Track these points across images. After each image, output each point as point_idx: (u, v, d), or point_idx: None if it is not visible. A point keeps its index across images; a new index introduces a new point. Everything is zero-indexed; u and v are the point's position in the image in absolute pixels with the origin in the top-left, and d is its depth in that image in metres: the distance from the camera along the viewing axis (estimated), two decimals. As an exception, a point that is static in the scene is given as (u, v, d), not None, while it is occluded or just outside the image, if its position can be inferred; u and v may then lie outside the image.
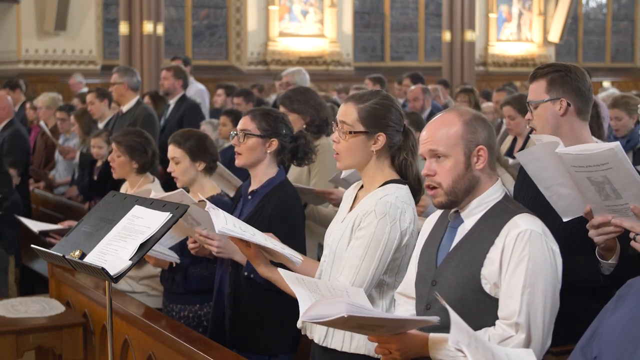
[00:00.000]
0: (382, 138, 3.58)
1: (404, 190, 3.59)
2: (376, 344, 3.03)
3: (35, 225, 6.25)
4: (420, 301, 3.15)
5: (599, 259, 3.31)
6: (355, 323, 2.85)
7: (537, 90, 3.73)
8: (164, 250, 4.72)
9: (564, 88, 3.70)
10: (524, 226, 2.94)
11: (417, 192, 3.68)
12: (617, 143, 3.13)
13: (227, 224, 3.48)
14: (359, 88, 9.00)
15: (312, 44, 17.83)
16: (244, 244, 3.56)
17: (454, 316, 2.49)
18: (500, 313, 2.92)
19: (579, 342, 2.66)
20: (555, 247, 2.99)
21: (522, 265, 2.90)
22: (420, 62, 19.07)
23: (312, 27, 17.88)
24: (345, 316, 2.71)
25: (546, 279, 2.91)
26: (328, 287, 3.24)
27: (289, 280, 3.17)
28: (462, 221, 3.09)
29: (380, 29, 19.06)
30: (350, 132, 3.58)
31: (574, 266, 3.31)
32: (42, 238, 6.20)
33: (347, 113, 3.60)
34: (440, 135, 3.05)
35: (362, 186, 3.73)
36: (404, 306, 3.30)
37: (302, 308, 2.96)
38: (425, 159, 3.12)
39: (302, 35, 17.80)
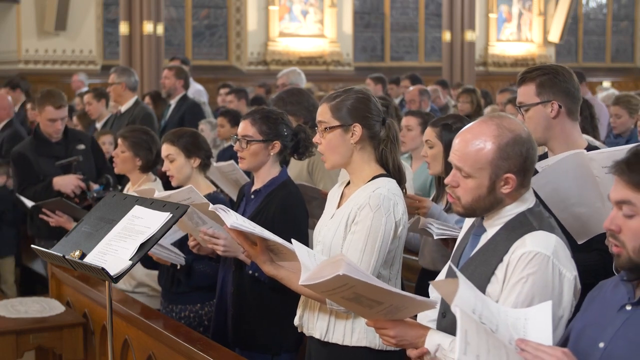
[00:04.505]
0: (357, 129, 3.61)
1: (393, 183, 3.63)
2: (377, 336, 3.03)
3: (30, 202, 6.28)
4: (439, 306, 3.09)
5: (615, 272, 3.27)
6: (352, 292, 2.83)
7: (527, 94, 3.75)
8: (171, 249, 4.72)
9: (553, 90, 3.72)
10: (531, 247, 2.83)
11: (399, 182, 3.68)
12: None
13: (237, 220, 3.50)
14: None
15: (312, 44, 17.84)
16: (249, 242, 3.57)
17: (462, 283, 2.44)
18: None
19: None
20: (568, 272, 2.85)
21: (518, 287, 2.81)
22: (421, 62, 19.08)
23: (312, 27, 17.89)
24: (341, 274, 2.71)
25: None
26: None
27: (300, 253, 3.16)
28: (484, 230, 3.02)
29: (381, 29, 19.07)
30: (326, 129, 3.63)
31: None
32: (34, 214, 6.21)
33: (322, 112, 3.66)
34: (469, 153, 2.92)
35: (347, 183, 3.76)
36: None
37: (303, 276, 2.96)
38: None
39: (302, 35, 17.81)
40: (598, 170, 3.25)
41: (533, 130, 3.65)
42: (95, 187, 6.69)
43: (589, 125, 6.00)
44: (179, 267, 4.80)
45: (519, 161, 2.90)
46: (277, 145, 4.30)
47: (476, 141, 2.91)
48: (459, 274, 2.52)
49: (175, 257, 4.73)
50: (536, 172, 3.48)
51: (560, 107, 3.71)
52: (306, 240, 4.14)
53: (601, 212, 3.27)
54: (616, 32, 21.42)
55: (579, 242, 3.37)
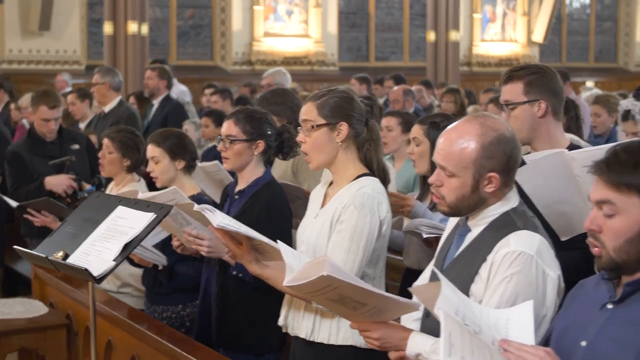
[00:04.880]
0: (344, 128, 3.63)
1: (377, 183, 3.65)
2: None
3: (14, 203, 6.27)
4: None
5: (597, 272, 3.28)
6: (336, 294, 2.84)
7: (514, 92, 3.75)
8: (153, 250, 4.71)
9: (541, 89, 3.73)
10: (515, 246, 2.84)
11: (383, 182, 3.70)
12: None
13: (224, 220, 3.50)
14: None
15: (297, 44, 17.83)
16: (235, 242, 3.57)
17: (445, 285, 2.45)
18: None
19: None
20: (551, 271, 2.87)
21: (502, 286, 2.82)
22: (405, 62, 19.10)
23: (296, 27, 17.88)
24: (325, 275, 2.72)
25: None
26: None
27: (286, 254, 3.16)
28: (469, 229, 3.03)
29: (365, 29, 19.07)
30: (312, 127, 3.63)
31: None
32: (19, 213, 6.21)
33: (308, 111, 3.66)
34: (453, 152, 2.92)
35: (330, 183, 3.77)
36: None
37: (288, 277, 2.97)
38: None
39: (287, 35, 17.80)
40: (579, 169, 3.26)
41: (519, 129, 3.66)
42: (88, 187, 6.67)
43: (574, 125, 6.02)
44: (160, 267, 4.79)
45: (502, 160, 2.91)
46: (261, 144, 4.30)
47: (460, 140, 2.91)
48: (440, 276, 2.53)
49: (157, 258, 4.73)
50: (523, 163, 3.49)
51: (547, 106, 3.73)
52: (290, 241, 4.14)
53: (584, 211, 3.28)
54: (599, 32, 21.50)
55: (562, 239, 3.38)
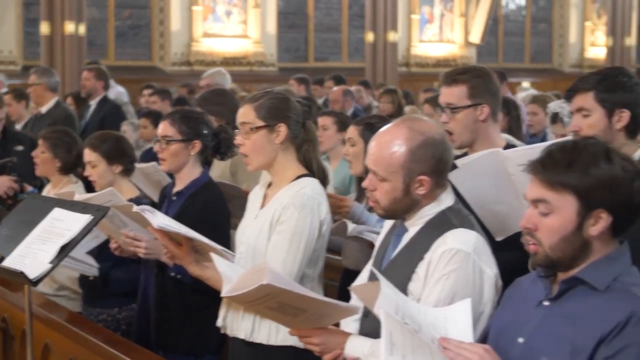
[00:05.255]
0: (283, 129, 3.64)
1: (317, 183, 3.67)
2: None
3: None
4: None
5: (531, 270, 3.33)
6: (276, 302, 2.84)
7: (457, 95, 3.76)
8: (84, 260, 4.68)
9: (484, 93, 3.76)
10: (452, 244, 2.88)
11: (323, 182, 3.72)
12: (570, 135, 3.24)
13: (164, 221, 3.50)
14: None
15: (236, 45, 17.78)
16: (175, 243, 3.57)
17: (384, 285, 2.47)
18: None
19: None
20: (489, 269, 2.91)
21: (440, 284, 2.85)
22: (344, 62, 19.14)
23: (235, 27, 17.83)
24: (265, 283, 2.72)
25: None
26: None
27: (220, 265, 3.17)
28: (406, 230, 3.06)
29: (304, 29, 19.09)
30: (251, 129, 3.63)
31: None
32: None
33: (245, 113, 3.67)
34: (382, 157, 2.96)
35: (270, 184, 3.78)
36: (357, 303, 3.24)
37: (225, 287, 2.97)
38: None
39: (226, 35, 17.73)
40: (513, 168, 3.30)
41: (461, 132, 3.72)
42: (30, 189, 6.60)
43: (515, 125, 6.11)
44: (91, 278, 4.77)
45: (431, 163, 2.94)
46: (198, 145, 4.29)
47: (389, 145, 2.95)
48: (379, 276, 2.55)
49: (87, 269, 4.70)
50: (455, 167, 3.53)
51: (489, 110, 3.76)
52: (228, 242, 4.15)
53: (518, 210, 3.31)
54: (535, 33, 21.75)
55: (497, 239, 3.40)
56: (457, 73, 3.82)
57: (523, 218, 2.56)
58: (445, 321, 2.57)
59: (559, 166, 2.47)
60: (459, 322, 2.57)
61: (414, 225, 3.03)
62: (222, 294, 2.98)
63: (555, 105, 5.87)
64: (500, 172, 3.37)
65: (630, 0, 20.71)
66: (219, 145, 4.39)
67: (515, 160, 3.29)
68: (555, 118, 6.29)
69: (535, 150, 3.21)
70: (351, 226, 4.16)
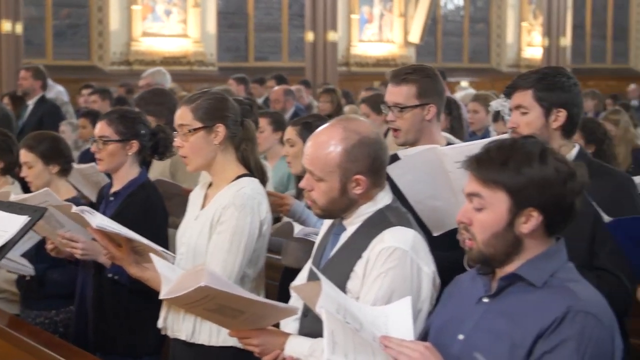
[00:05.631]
0: (221, 129, 3.64)
1: (256, 183, 3.67)
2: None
3: None
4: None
5: (468, 269, 3.34)
6: (215, 304, 2.84)
7: (406, 94, 3.78)
8: (19, 261, 4.62)
9: (432, 94, 3.80)
10: (389, 242, 2.89)
11: (262, 182, 3.73)
12: (507, 135, 3.28)
13: (103, 221, 3.47)
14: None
15: (176, 44, 17.69)
16: (114, 244, 3.54)
17: (325, 284, 2.47)
18: None
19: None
20: (426, 267, 2.92)
21: (378, 282, 2.86)
22: (284, 62, 19.13)
23: (175, 27, 17.73)
24: (203, 285, 2.72)
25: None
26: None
27: (159, 266, 3.15)
28: (344, 228, 3.07)
29: (244, 29, 19.05)
30: (189, 131, 3.62)
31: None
32: None
33: (183, 115, 3.65)
34: (318, 157, 2.97)
35: (210, 184, 3.77)
36: (296, 303, 3.24)
37: (164, 289, 2.96)
38: None
39: (165, 35, 17.63)
40: (450, 165, 3.33)
41: (407, 130, 3.75)
42: None
43: (458, 124, 6.16)
44: (27, 278, 4.72)
45: (367, 162, 2.96)
46: (135, 145, 4.26)
47: (324, 145, 2.96)
48: (320, 275, 2.55)
49: (22, 268, 4.65)
50: (397, 158, 3.55)
51: (435, 110, 3.80)
52: (166, 242, 4.13)
53: (455, 206, 3.33)
54: (473, 33, 21.94)
55: (435, 234, 3.42)
56: (406, 72, 3.84)
57: (459, 212, 2.59)
58: (387, 319, 2.59)
59: (494, 164, 2.50)
60: (399, 320, 2.58)
61: (352, 224, 3.03)
62: (161, 296, 2.97)
63: (497, 104, 5.93)
64: (437, 168, 3.40)
65: (565, 1, 21.00)
66: (157, 145, 4.37)
67: (452, 157, 3.32)
68: (497, 116, 6.37)
69: (472, 147, 3.25)
70: (297, 228, 4.16)
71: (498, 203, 2.49)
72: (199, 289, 2.76)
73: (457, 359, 2.53)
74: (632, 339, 2.65)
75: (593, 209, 2.78)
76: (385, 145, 3.06)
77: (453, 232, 3.29)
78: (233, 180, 3.66)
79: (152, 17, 17.52)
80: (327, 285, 2.48)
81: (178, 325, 3.68)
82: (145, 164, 4.50)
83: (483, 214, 2.52)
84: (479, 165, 2.53)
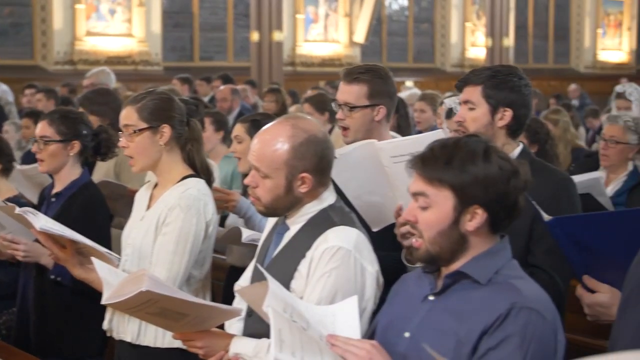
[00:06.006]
0: (167, 130, 3.62)
1: (202, 183, 3.66)
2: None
3: None
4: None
5: (406, 263, 3.32)
6: (157, 307, 2.84)
7: (356, 94, 3.78)
8: None
9: (383, 94, 3.79)
10: (333, 242, 2.89)
11: (208, 182, 3.72)
12: (441, 130, 3.30)
13: (47, 223, 3.45)
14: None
15: (121, 44, 17.56)
16: (58, 246, 3.52)
17: (272, 283, 2.46)
18: None
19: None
20: (370, 266, 2.92)
21: (321, 282, 2.86)
22: (230, 62, 19.08)
23: (120, 26, 17.60)
24: (144, 290, 2.71)
25: (345, 299, 2.82)
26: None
27: (101, 270, 3.13)
28: (288, 228, 3.07)
29: (189, 28, 18.96)
30: (134, 132, 3.61)
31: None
32: None
33: (128, 115, 3.64)
34: (265, 154, 2.96)
35: (155, 185, 3.76)
36: (239, 304, 3.23)
37: (106, 294, 2.95)
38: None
39: (110, 34, 17.48)
40: (387, 160, 3.34)
41: (356, 130, 3.75)
42: None
43: (404, 122, 6.20)
44: None
45: (314, 161, 2.96)
46: (77, 145, 4.23)
47: (272, 142, 2.96)
48: (267, 274, 2.54)
49: None
50: None
51: (385, 110, 3.79)
52: (109, 244, 4.11)
53: (392, 201, 3.36)
54: (417, 33, 22.07)
55: (374, 230, 3.43)
56: (358, 72, 3.83)
57: (405, 211, 2.61)
58: (334, 318, 2.59)
59: (438, 162, 2.52)
60: (346, 319, 2.58)
61: (296, 223, 3.03)
62: (103, 301, 2.95)
63: (450, 101, 5.98)
64: (374, 163, 3.40)
65: (507, 2, 21.20)
66: (99, 146, 4.34)
67: (389, 152, 3.34)
68: (450, 113, 6.41)
69: (407, 142, 3.29)
70: (245, 234, 4.15)
71: (443, 201, 2.52)
72: (141, 294, 2.75)
73: (403, 356, 2.55)
74: (569, 334, 2.69)
75: (532, 207, 2.83)
76: (331, 144, 3.07)
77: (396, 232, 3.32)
78: (179, 181, 3.65)
79: (96, 17, 17.36)
80: (273, 284, 2.48)
81: (123, 327, 3.66)
82: (88, 165, 4.47)
83: (428, 212, 2.53)
84: (424, 164, 2.54)
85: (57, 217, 4.04)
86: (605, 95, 8.93)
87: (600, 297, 2.78)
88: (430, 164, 2.54)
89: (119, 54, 17.48)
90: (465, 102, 3.51)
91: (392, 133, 4.13)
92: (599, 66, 24.35)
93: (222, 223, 4.80)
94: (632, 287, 2.13)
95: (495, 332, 2.43)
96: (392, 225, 3.26)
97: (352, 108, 3.78)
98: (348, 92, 3.80)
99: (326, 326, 2.55)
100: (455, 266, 2.57)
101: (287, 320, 2.41)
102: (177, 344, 3.45)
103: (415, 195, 2.56)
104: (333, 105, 3.92)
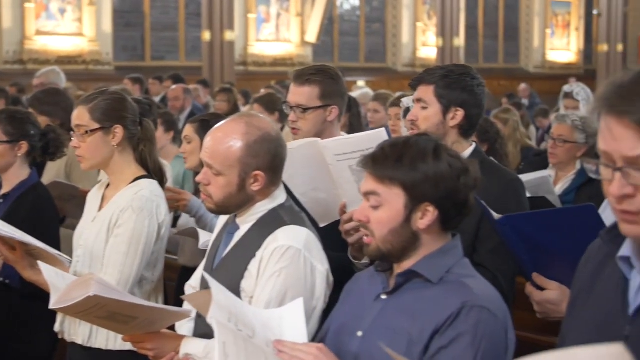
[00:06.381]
0: (119, 130, 3.61)
1: (155, 185, 3.65)
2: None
3: None
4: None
5: (352, 259, 3.33)
6: (106, 311, 2.82)
7: (308, 95, 3.77)
8: None
9: (334, 95, 3.79)
10: (283, 241, 2.89)
11: (161, 183, 3.71)
12: (384, 128, 3.33)
13: None
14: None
15: (71, 43, 17.42)
16: (8, 247, 3.49)
17: (216, 292, 2.43)
18: None
19: (316, 340, 2.76)
20: (320, 265, 2.92)
21: (272, 281, 2.85)
22: (182, 61, 19.02)
23: (70, 25, 17.46)
24: (92, 295, 2.70)
25: (296, 298, 2.80)
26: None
27: (48, 274, 3.10)
28: (238, 227, 3.06)
29: (141, 28, 18.87)
30: (86, 132, 3.59)
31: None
32: None
33: (80, 115, 3.61)
34: (219, 151, 2.95)
35: (108, 185, 3.74)
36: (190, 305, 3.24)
37: (53, 298, 2.93)
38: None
39: (60, 33, 17.34)
40: (331, 158, 3.35)
41: (308, 131, 3.73)
42: None
43: (356, 121, 6.22)
44: None
45: (267, 159, 2.96)
46: (24, 145, 4.19)
47: (226, 139, 2.95)
48: (211, 283, 2.49)
49: None
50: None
51: (337, 111, 3.79)
52: (58, 245, 4.08)
53: (337, 198, 3.37)
54: (369, 33, 22.15)
55: (321, 225, 3.43)
56: (309, 73, 3.82)
57: (357, 212, 2.61)
58: (280, 321, 2.57)
59: (389, 161, 2.54)
60: (293, 322, 2.57)
61: (246, 222, 3.03)
62: (50, 306, 2.92)
63: (407, 100, 6.02)
64: (318, 161, 3.41)
65: (458, 3, 21.35)
66: (48, 146, 4.31)
67: (332, 150, 3.35)
68: (407, 113, 6.44)
69: (350, 140, 3.31)
70: (203, 237, 4.11)
71: (394, 199, 2.53)
72: (88, 299, 2.73)
73: (356, 355, 2.55)
74: (518, 332, 2.72)
75: (479, 207, 2.85)
76: (284, 143, 3.07)
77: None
78: (132, 182, 3.63)
79: (46, 16, 17.22)
80: (217, 293, 2.44)
81: (74, 329, 3.63)
82: (37, 165, 4.44)
83: (380, 211, 2.55)
84: (374, 163, 2.56)
85: (5, 219, 3.99)
86: (555, 95, 9.02)
87: (550, 294, 2.80)
88: (380, 162, 2.55)
89: (69, 53, 17.34)
90: (418, 100, 3.53)
91: (343, 133, 4.14)
92: (548, 66, 24.62)
93: (174, 224, 4.80)
94: (581, 284, 2.16)
95: (446, 331, 2.44)
96: (339, 225, 3.28)
97: (305, 110, 3.77)
98: (300, 94, 3.79)
99: (273, 330, 2.53)
100: (407, 265, 2.58)
101: (231, 331, 2.38)
102: (129, 346, 3.43)
103: (367, 194, 2.57)
104: (284, 107, 3.92)
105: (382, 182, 2.54)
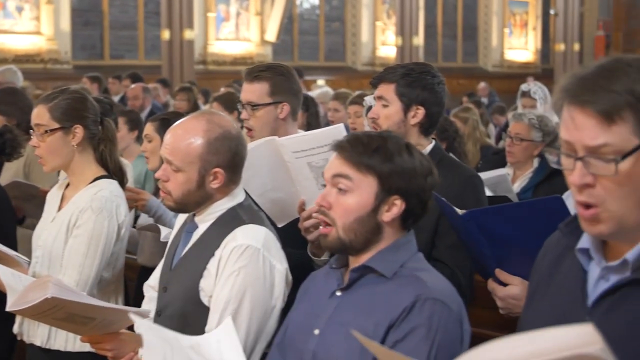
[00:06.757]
0: (79, 130, 3.59)
1: (115, 185, 3.63)
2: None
3: None
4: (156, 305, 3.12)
5: (312, 256, 3.33)
6: (64, 313, 2.81)
7: (258, 92, 3.77)
8: None
9: (285, 91, 3.78)
10: (241, 240, 2.89)
11: (121, 183, 3.70)
12: (342, 124, 3.34)
13: None
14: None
15: (29, 42, 17.28)
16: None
17: (146, 335, 2.21)
18: (206, 327, 2.86)
19: (275, 339, 2.78)
20: (279, 264, 2.93)
21: (231, 280, 2.85)
22: (141, 60, 18.92)
23: (28, 24, 17.31)
24: (49, 297, 2.68)
25: (255, 297, 2.86)
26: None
27: (4, 275, 3.09)
28: (197, 226, 3.06)
29: (99, 26, 18.75)
30: (46, 132, 3.56)
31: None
32: None
33: (39, 115, 3.59)
34: (179, 147, 2.95)
35: (67, 185, 3.72)
36: (148, 304, 3.24)
37: (10, 301, 2.91)
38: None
39: (17, 32, 17.19)
40: (288, 155, 3.35)
41: (260, 129, 3.73)
42: None
43: (314, 120, 6.23)
44: None
45: (227, 156, 2.97)
46: (-21, 145, 4.18)
47: (187, 135, 2.95)
48: (142, 328, 2.23)
49: None
50: None
51: (289, 108, 3.79)
52: (15, 245, 4.05)
53: (296, 196, 3.38)
54: (329, 32, 22.18)
55: (279, 225, 3.44)
56: (259, 70, 3.82)
57: (319, 197, 2.61)
58: (219, 345, 2.51)
59: (367, 148, 2.55)
60: (229, 343, 2.51)
61: (204, 221, 3.03)
62: (7, 308, 2.91)
63: (370, 99, 6.05)
64: (276, 159, 3.42)
65: (417, 2, 21.44)
66: (4, 146, 4.28)
67: (290, 147, 3.36)
68: (369, 110, 6.46)
69: (308, 137, 3.32)
70: (164, 231, 4.11)
71: (366, 187, 2.54)
72: (46, 301, 2.73)
73: (314, 353, 2.56)
74: (476, 328, 2.75)
75: (438, 203, 2.88)
76: (245, 142, 3.08)
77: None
78: (91, 182, 3.62)
79: (3, 14, 17.06)
80: (148, 335, 2.26)
81: (33, 331, 3.61)
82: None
83: (348, 197, 2.55)
84: (352, 147, 2.56)
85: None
86: (513, 94, 9.09)
87: (513, 289, 2.81)
88: (358, 148, 2.56)
89: (27, 52, 17.20)
90: (379, 98, 3.55)
91: (300, 131, 4.15)
92: (506, 65, 24.81)
93: (133, 224, 4.78)
94: (540, 276, 2.19)
95: (401, 324, 2.45)
96: (299, 222, 3.28)
97: (255, 107, 3.76)
98: (250, 91, 3.79)
99: (212, 355, 2.47)
100: (361, 260, 2.59)
101: None
102: (88, 347, 3.42)
103: (336, 177, 2.57)
104: (238, 105, 3.92)
105: (357, 168, 2.55)
